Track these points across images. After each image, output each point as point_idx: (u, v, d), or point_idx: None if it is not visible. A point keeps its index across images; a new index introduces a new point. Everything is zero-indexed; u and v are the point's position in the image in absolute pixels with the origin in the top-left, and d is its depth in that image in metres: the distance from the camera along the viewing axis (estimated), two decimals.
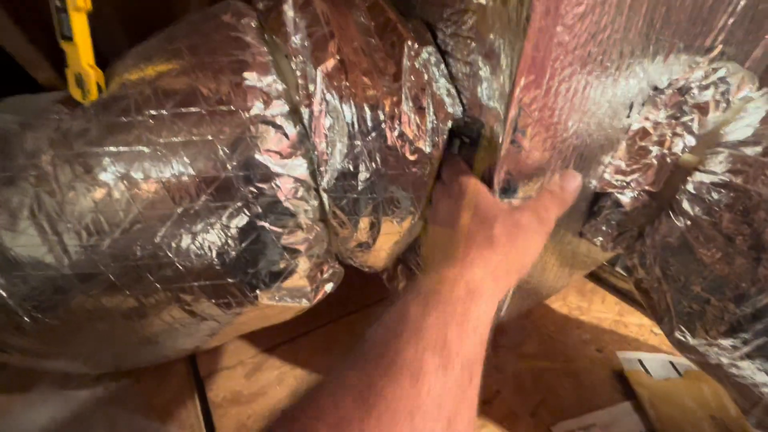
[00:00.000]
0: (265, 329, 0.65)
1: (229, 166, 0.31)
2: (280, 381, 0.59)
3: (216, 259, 0.33)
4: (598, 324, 0.72)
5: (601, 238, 0.45)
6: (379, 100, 0.32)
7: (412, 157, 0.33)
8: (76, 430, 0.51)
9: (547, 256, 0.45)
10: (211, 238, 0.32)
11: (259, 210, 0.32)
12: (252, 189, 0.31)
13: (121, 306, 0.34)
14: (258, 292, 0.35)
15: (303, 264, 0.37)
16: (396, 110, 0.32)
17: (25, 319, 0.34)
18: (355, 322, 0.69)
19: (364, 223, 0.36)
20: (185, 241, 0.32)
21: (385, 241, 0.39)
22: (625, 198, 0.41)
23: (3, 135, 0.34)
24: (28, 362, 0.44)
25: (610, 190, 0.41)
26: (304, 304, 0.41)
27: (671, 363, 0.62)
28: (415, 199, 0.35)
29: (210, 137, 0.31)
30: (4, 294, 0.32)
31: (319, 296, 0.42)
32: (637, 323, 0.73)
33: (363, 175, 0.33)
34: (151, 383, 0.57)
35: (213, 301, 0.35)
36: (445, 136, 0.33)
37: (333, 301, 0.68)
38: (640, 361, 0.62)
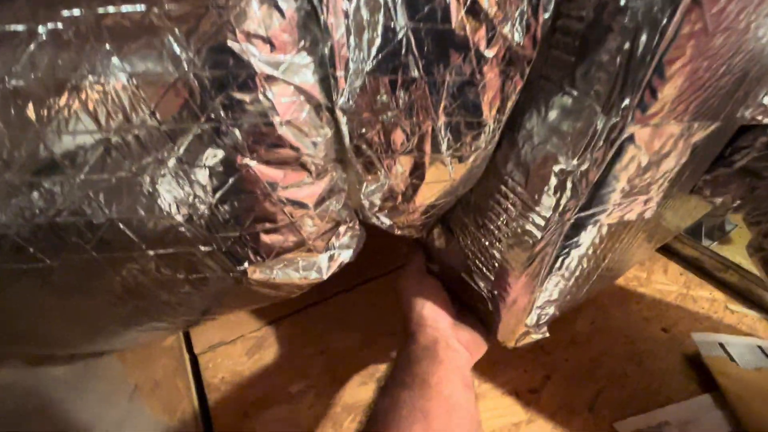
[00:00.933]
0: None
1: (185, 62, 0.18)
2: (288, 360, 0.50)
3: (178, 217, 0.21)
4: (662, 298, 0.61)
5: (725, 195, 0.32)
6: None
7: (488, 52, 0.20)
8: (49, 414, 0.43)
9: (637, 232, 0.32)
10: (166, 183, 0.21)
11: (239, 138, 0.20)
12: (226, 101, 0.19)
13: (51, 284, 0.24)
14: (246, 265, 0.24)
15: (310, 225, 0.25)
16: None
17: None
18: (374, 291, 0.59)
19: (403, 163, 0.24)
20: (125, 187, 0.20)
21: (429, 192, 0.27)
22: None
23: None
24: None
25: None
26: (314, 278, 0.30)
27: (761, 348, 0.51)
28: (487, 123, 0.22)
29: (150, 9, 0.18)
30: None
31: (334, 268, 0.31)
32: (707, 297, 0.61)
33: (407, 84, 0.21)
34: (136, 361, 0.49)
35: (181, 276, 0.24)
36: (547, 16, 0.20)
37: (348, 265, 0.58)
38: (722, 346, 0.51)
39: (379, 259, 0.62)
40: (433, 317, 0.35)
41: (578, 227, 0.25)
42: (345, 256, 0.31)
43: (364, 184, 0.26)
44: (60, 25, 0.18)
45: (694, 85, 0.19)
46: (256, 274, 0.25)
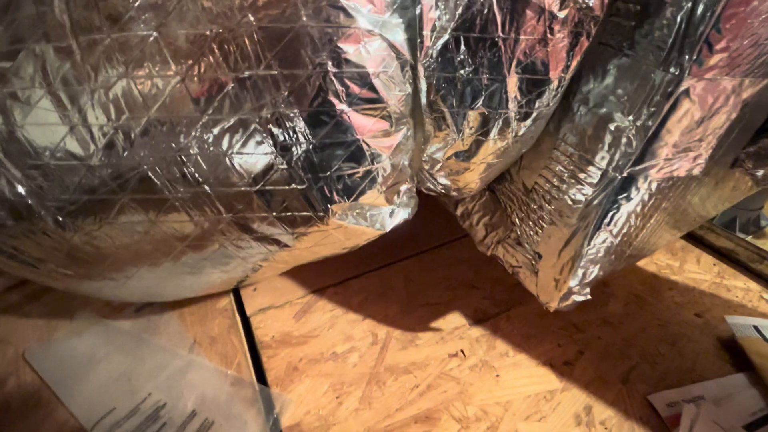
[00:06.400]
0: (313, 270, 0.59)
1: (304, 16, 0.22)
2: (332, 324, 0.53)
3: (280, 155, 0.25)
4: (695, 286, 0.62)
5: (767, 167, 0.34)
6: None
7: (561, 13, 0.23)
8: (117, 360, 0.48)
9: (660, 214, 0.33)
10: (274, 124, 0.24)
11: (338, 86, 0.23)
12: (332, 52, 0.22)
13: (162, 217, 0.27)
14: (329, 206, 0.27)
15: (384, 174, 0.29)
16: None
17: (50, 224, 0.27)
18: (411, 268, 0.62)
19: (471, 119, 0.27)
20: (242, 126, 0.24)
21: (491, 149, 0.29)
22: None
23: None
24: (64, 283, 0.39)
25: None
26: (377, 229, 0.33)
27: None
28: (553, 81, 0.25)
29: None
30: (21, 191, 0.26)
31: (395, 223, 0.34)
32: (742, 287, 0.62)
33: (486, 42, 0.23)
34: (194, 319, 0.53)
35: (274, 214, 0.27)
36: None
37: (386, 244, 0.60)
38: (756, 328, 0.52)
39: (413, 238, 0.66)
40: None
41: (629, 182, 0.27)
42: (404, 214, 0.34)
43: (429, 144, 0.29)
44: None
45: (749, 41, 0.21)
46: (336, 216, 0.28)
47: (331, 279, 0.59)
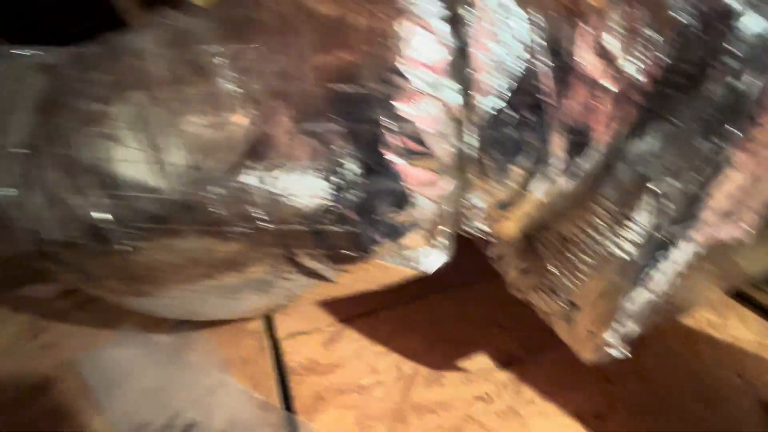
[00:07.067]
0: (343, 298, 0.61)
1: (365, 74, 0.24)
2: (358, 355, 0.53)
3: (332, 197, 0.27)
4: (737, 345, 0.59)
5: None
6: None
7: (612, 86, 0.24)
8: (154, 374, 0.50)
9: (702, 274, 0.33)
10: (331, 171, 0.26)
11: (391, 140, 0.25)
12: (389, 110, 0.24)
13: (219, 246, 0.30)
14: (374, 247, 0.29)
15: (427, 219, 0.30)
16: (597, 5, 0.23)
17: (119, 248, 0.30)
18: (441, 303, 0.62)
19: (516, 173, 0.28)
20: (301, 171, 0.26)
21: (532, 204, 0.30)
22: None
23: (110, 40, 0.30)
24: (115, 296, 0.42)
25: None
26: (416, 270, 0.34)
27: None
28: (598, 147, 0.26)
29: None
30: (101, 216, 0.29)
31: (433, 264, 0.35)
32: None
33: (536, 108, 0.25)
34: (226, 338, 0.55)
35: (323, 251, 0.29)
36: (662, 54, 0.24)
37: (417, 277, 0.61)
38: None
39: (443, 274, 0.66)
40: None
41: (669, 242, 0.28)
42: (443, 256, 0.35)
43: (471, 192, 0.31)
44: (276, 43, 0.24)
45: None
46: (378, 256, 0.30)
47: (360, 308, 0.60)
